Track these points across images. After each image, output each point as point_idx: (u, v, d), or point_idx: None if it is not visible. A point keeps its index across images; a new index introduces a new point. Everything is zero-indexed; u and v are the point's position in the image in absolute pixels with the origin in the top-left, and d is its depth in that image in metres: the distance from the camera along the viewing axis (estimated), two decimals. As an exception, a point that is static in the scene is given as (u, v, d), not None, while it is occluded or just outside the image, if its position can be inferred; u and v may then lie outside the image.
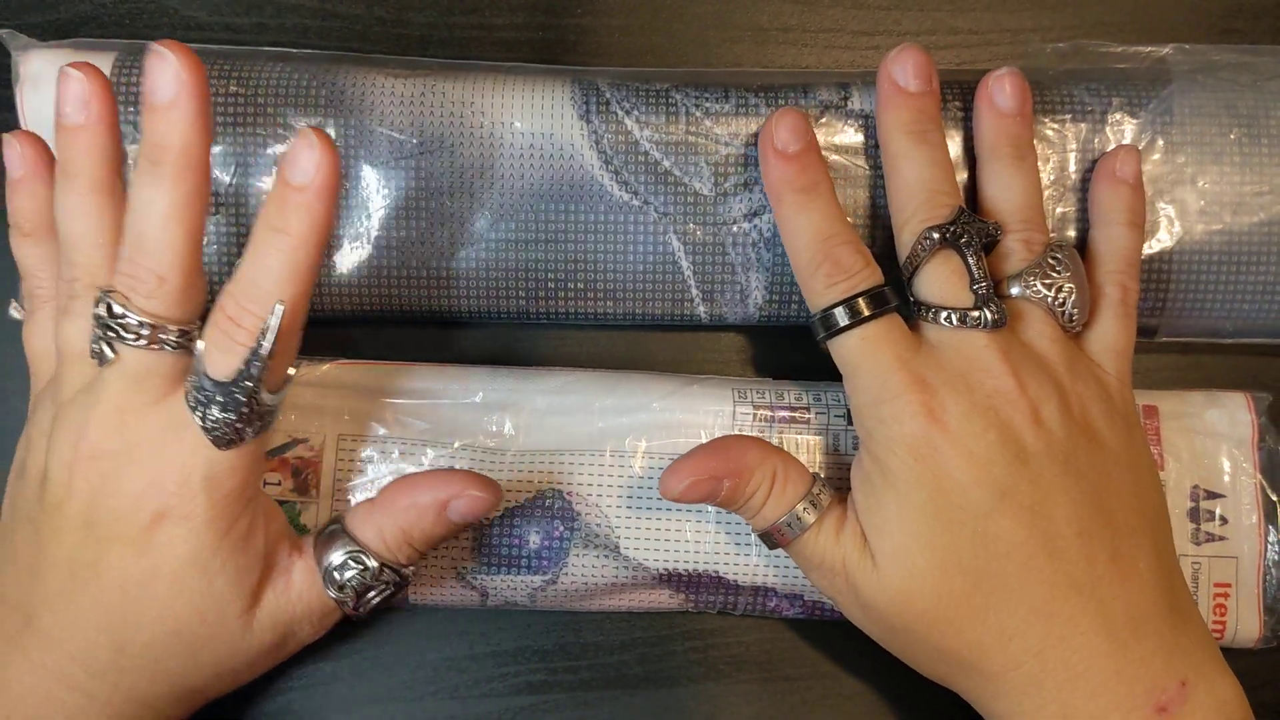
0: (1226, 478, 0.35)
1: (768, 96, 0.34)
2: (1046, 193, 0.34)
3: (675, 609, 0.35)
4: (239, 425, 0.26)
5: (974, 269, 0.30)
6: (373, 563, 0.29)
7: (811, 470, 0.31)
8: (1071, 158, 0.34)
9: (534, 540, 0.34)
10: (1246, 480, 0.35)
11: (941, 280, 0.30)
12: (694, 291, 0.35)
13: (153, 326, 0.26)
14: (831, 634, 0.36)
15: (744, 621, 0.36)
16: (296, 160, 0.26)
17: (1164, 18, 0.38)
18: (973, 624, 0.28)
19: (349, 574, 0.29)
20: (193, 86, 0.26)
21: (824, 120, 0.34)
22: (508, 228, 0.34)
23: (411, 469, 0.33)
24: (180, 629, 0.28)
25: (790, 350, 0.37)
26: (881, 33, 0.38)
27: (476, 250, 0.34)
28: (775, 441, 0.34)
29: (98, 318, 0.26)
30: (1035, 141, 0.34)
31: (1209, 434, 0.35)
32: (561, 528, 0.34)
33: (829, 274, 0.30)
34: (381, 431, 0.34)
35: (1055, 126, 0.34)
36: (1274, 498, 0.35)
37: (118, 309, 0.26)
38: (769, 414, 0.34)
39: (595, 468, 0.34)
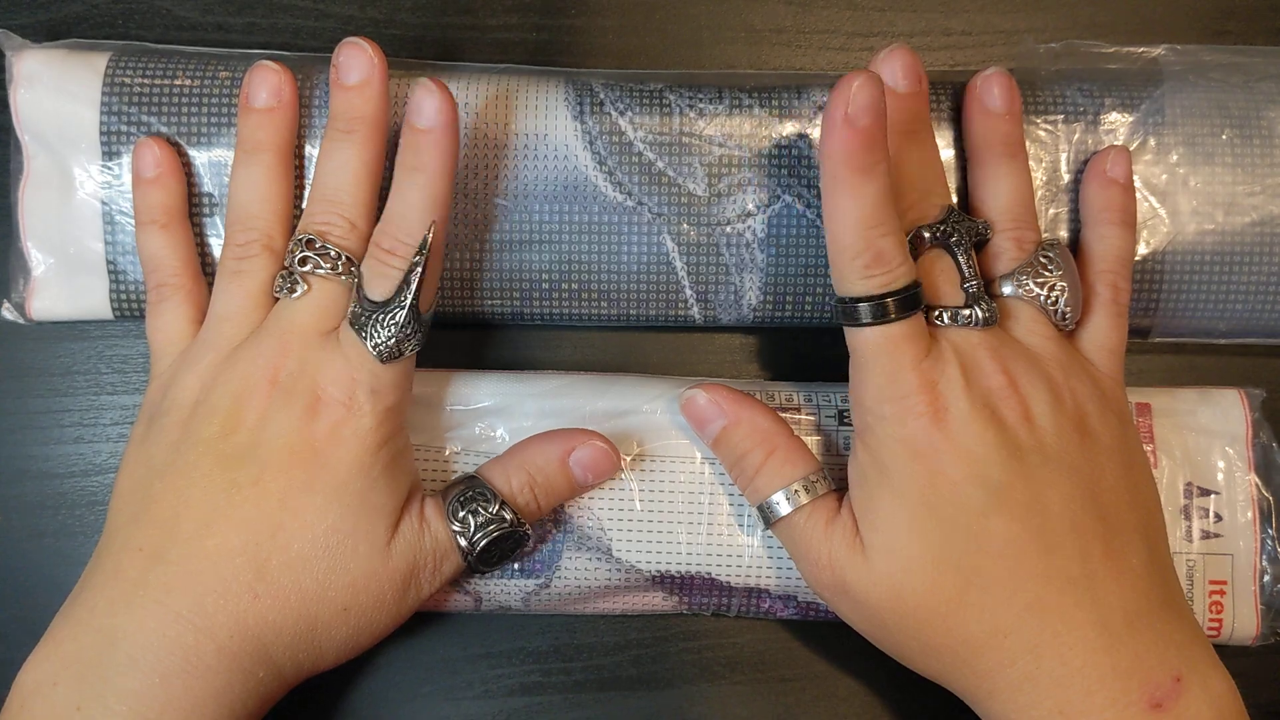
0: (1220, 475, 0.35)
1: (761, 97, 0.34)
2: (1039, 193, 0.34)
3: (669, 611, 0.35)
4: (401, 338, 0.30)
5: (964, 267, 0.30)
6: (493, 497, 0.31)
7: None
8: (1064, 158, 0.34)
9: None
10: (1241, 477, 0.35)
11: (932, 279, 0.30)
12: (688, 293, 0.35)
13: (347, 260, 0.30)
14: (826, 635, 0.36)
15: (738, 623, 0.36)
16: (420, 107, 0.30)
17: (1156, 19, 0.38)
18: (966, 620, 0.28)
19: (469, 504, 0.31)
20: (383, 71, 0.31)
21: (817, 121, 0.34)
22: (501, 229, 0.34)
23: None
24: (328, 541, 0.29)
25: (783, 351, 0.37)
26: (875, 34, 0.38)
27: (470, 251, 0.34)
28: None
29: (300, 257, 0.30)
30: (1028, 142, 0.34)
31: (1202, 431, 0.35)
32: (554, 531, 0.33)
33: (868, 265, 0.29)
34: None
35: (1048, 127, 0.34)
36: (1268, 494, 0.35)
37: (319, 244, 0.30)
38: (763, 414, 0.34)
39: (589, 468, 0.34)
